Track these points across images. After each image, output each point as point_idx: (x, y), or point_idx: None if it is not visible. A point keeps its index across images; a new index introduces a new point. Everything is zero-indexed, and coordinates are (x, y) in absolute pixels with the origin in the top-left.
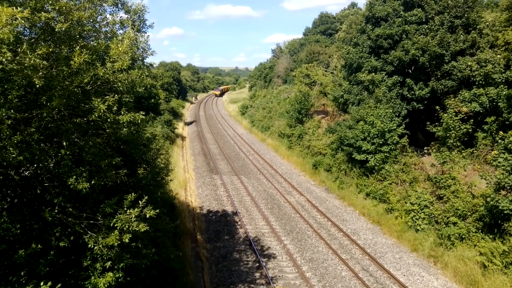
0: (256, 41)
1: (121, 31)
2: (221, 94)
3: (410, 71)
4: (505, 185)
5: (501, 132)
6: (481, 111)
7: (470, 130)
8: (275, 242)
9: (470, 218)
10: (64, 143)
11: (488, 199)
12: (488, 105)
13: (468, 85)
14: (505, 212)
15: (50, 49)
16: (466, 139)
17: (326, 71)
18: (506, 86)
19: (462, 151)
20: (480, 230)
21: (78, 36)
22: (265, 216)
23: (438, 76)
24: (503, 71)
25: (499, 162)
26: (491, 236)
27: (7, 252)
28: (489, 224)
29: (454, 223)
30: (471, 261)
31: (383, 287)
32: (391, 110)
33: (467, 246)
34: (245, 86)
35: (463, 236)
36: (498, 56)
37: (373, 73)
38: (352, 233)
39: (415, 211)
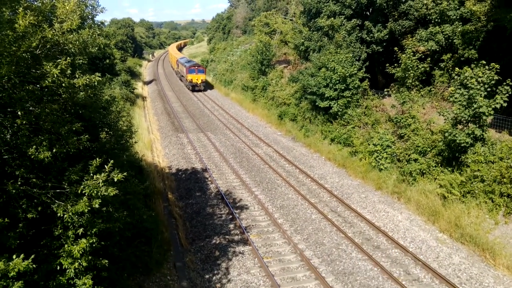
0: None
1: None
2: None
3: (368, 13)
4: (462, 119)
5: (457, 69)
6: (438, 49)
7: (427, 69)
8: (246, 194)
9: (430, 153)
10: (19, 113)
11: (446, 134)
12: (444, 43)
13: (425, 24)
14: (462, 145)
15: None
16: (424, 78)
17: (285, 18)
18: (461, 23)
19: (421, 90)
20: (439, 164)
21: None
22: (235, 170)
23: (396, 16)
24: (457, 7)
25: (455, 98)
26: (449, 169)
27: None
28: (448, 157)
29: (415, 160)
30: (432, 194)
31: (351, 225)
32: (351, 55)
33: (428, 180)
34: (203, 39)
35: (424, 171)
36: None
37: (332, 18)
38: (320, 178)
39: (378, 151)
